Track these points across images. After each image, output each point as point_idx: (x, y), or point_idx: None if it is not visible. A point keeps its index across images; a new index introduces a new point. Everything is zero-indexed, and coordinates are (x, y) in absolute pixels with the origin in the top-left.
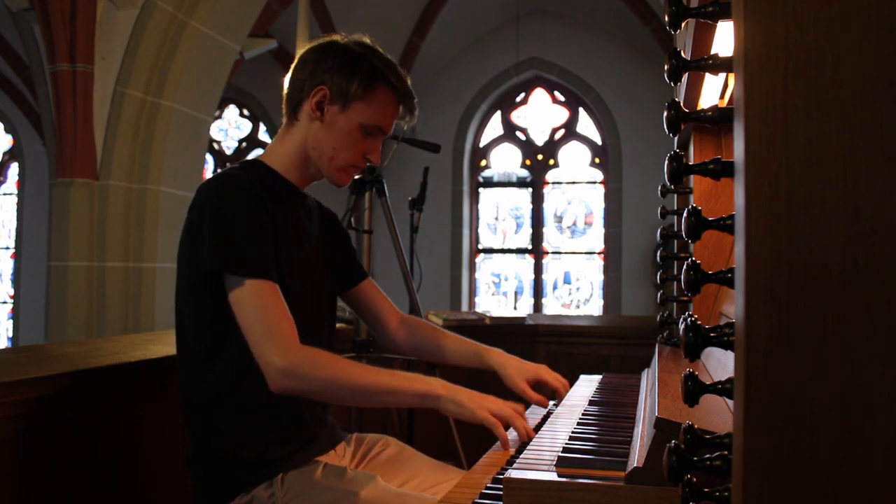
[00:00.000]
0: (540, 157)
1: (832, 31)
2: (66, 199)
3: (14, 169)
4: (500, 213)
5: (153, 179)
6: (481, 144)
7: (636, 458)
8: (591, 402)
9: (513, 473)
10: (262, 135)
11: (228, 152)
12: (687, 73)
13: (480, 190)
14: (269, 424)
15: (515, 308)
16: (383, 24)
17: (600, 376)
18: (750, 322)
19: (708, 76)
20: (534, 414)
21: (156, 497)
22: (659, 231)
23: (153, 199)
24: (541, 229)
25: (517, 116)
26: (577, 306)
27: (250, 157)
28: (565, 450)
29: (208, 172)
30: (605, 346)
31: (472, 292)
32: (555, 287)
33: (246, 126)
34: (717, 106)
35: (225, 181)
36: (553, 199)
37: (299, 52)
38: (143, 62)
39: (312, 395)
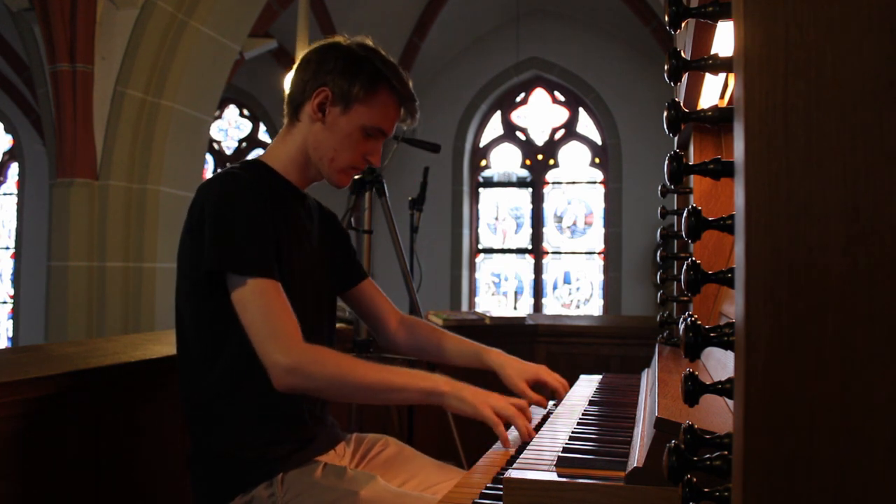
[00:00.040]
0: (540, 157)
1: (832, 31)
2: (66, 199)
3: (14, 169)
4: (500, 213)
5: (153, 179)
6: (481, 144)
7: (636, 458)
8: (591, 402)
9: (513, 473)
10: (262, 135)
11: (228, 152)
12: (687, 73)
13: (480, 190)
14: (268, 424)
15: (515, 308)
16: (383, 24)
17: (600, 376)
18: (750, 322)
19: (708, 76)
20: (534, 414)
21: (156, 497)
22: (659, 231)
23: (153, 199)
24: (541, 229)
25: (517, 116)
26: (577, 306)
27: (250, 157)
28: (565, 450)
29: (208, 172)
30: (605, 346)
31: (472, 292)
32: (555, 287)
33: (246, 126)
34: (717, 106)
35: (225, 181)
36: (553, 199)
37: (300, 53)
38: (143, 62)
39: (317, 392)
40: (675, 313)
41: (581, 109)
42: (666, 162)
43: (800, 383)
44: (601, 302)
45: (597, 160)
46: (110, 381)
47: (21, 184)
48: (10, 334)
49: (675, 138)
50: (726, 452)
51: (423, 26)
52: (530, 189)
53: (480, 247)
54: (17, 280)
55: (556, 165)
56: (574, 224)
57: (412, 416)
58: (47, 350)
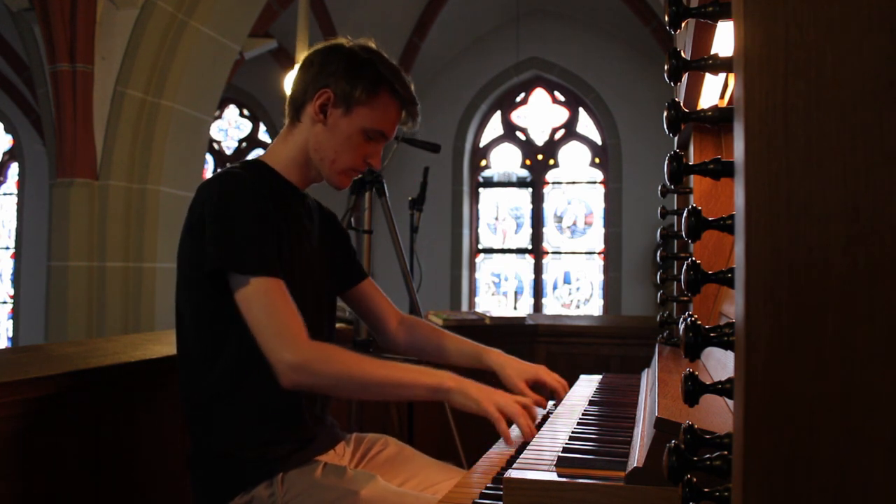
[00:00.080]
0: (540, 157)
1: (832, 31)
2: (66, 199)
3: (14, 169)
4: (500, 213)
5: (153, 179)
6: (481, 144)
7: (636, 458)
8: (591, 402)
9: (513, 473)
10: (262, 135)
11: (228, 152)
12: (687, 73)
13: (480, 190)
14: (268, 424)
15: (515, 308)
16: (383, 24)
17: (600, 376)
18: (750, 322)
19: (708, 76)
20: None
21: (156, 497)
22: (659, 231)
23: (153, 199)
24: (541, 229)
25: (517, 116)
26: (577, 306)
27: (250, 157)
28: (565, 450)
29: (208, 172)
30: (605, 346)
31: (472, 292)
32: (555, 287)
33: (246, 126)
34: (717, 106)
35: (225, 180)
36: (553, 199)
37: (300, 54)
38: (143, 62)
39: (324, 389)
40: (675, 313)
41: (581, 109)
42: (666, 162)
43: (800, 383)
44: (601, 302)
45: (597, 160)
46: (110, 381)
47: (21, 184)
48: (10, 334)
49: (675, 138)
50: (726, 452)
51: (423, 26)
52: (530, 189)
53: (480, 247)
54: (17, 280)
55: (556, 165)
56: (574, 224)
57: (412, 416)
58: (47, 350)
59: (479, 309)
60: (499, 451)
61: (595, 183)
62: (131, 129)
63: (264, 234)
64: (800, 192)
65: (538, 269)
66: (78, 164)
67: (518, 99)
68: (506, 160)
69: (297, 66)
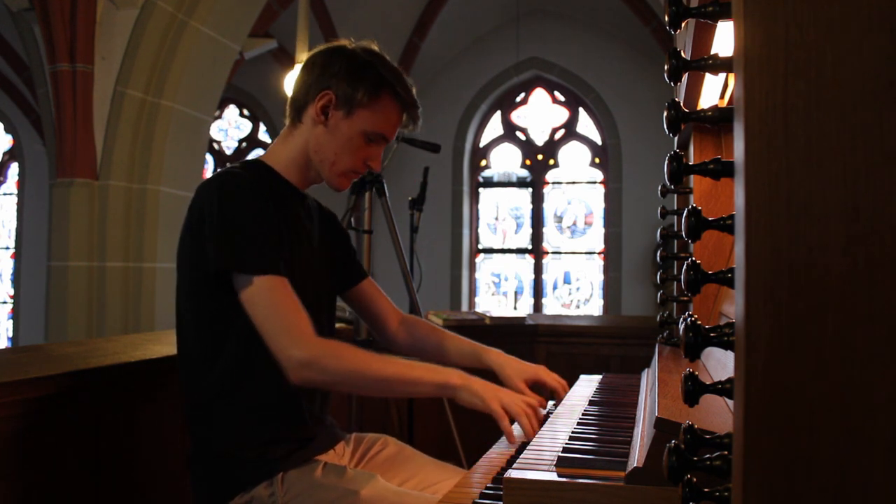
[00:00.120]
0: (540, 157)
1: (832, 31)
2: (66, 199)
3: (14, 169)
4: (500, 213)
5: (153, 179)
6: (481, 144)
7: (636, 458)
8: (591, 402)
9: (513, 473)
10: (262, 135)
11: (228, 152)
12: (687, 73)
13: (480, 190)
14: (268, 424)
15: (515, 308)
16: (383, 24)
17: (600, 376)
18: (750, 322)
19: (708, 76)
20: None
21: (156, 497)
22: (659, 231)
23: (153, 199)
24: (541, 229)
25: (517, 116)
26: (577, 306)
27: (250, 157)
28: (565, 450)
29: (208, 172)
30: (605, 346)
31: (472, 292)
32: (555, 287)
33: (246, 126)
34: (717, 106)
35: (225, 180)
36: (553, 199)
37: (300, 53)
38: (143, 62)
39: (332, 386)
40: (675, 313)
41: (581, 109)
42: (666, 162)
43: (800, 383)
44: (601, 302)
45: (597, 160)
46: (110, 381)
47: (21, 184)
48: (10, 334)
49: (675, 138)
50: (726, 452)
51: (423, 26)
52: (530, 189)
53: (480, 247)
54: (17, 280)
55: (556, 165)
56: (574, 224)
57: (412, 416)
58: (47, 350)
59: (479, 309)
60: (499, 451)
61: (595, 183)
62: (131, 129)
63: (266, 232)
64: (800, 192)
65: (538, 269)
66: (78, 164)
67: (518, 99)
68: (506, 160)
69: (297, 67)
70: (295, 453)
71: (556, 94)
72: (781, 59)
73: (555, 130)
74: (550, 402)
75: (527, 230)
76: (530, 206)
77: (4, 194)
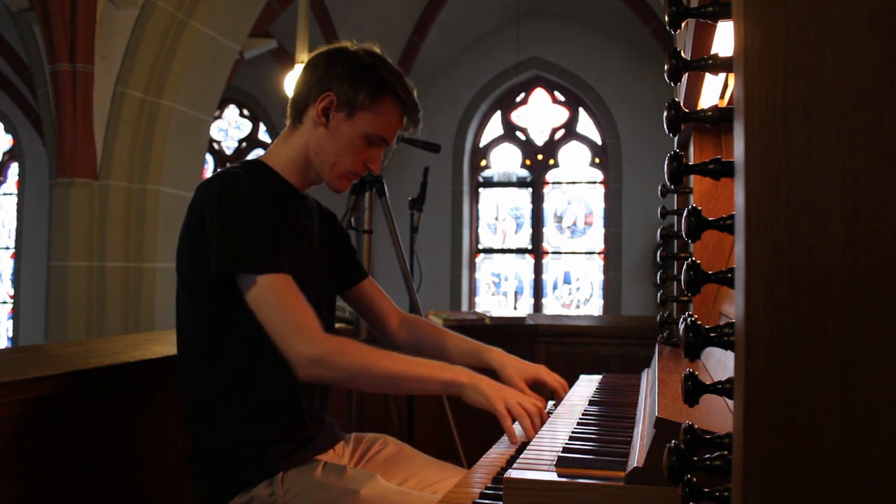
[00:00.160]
0: (540, 157)
1: (832, 31)
2: (66, 199)
3: (14, 169)
4: (500, 213)
5: (153, 179)
6: (481, 144)
7: (636, 458)
8: (591, 402)
9: (513, 473)
10: (262, 135)
11: (228, 152)
12: (687, 73)
13: (480, 190)
14: (268, 424)
15: (515, 308)
16: (383, 24)
17: (600, 376)
18: (750, 322)
19: (708, 76)
20: None
21: (156, 497)
22: (659, 231)
23: (153, 199)
24: (541, 229)
25: (517, 116)
26: (577, 306)
27: (250, 157)
28: (565, 450)
29: (208, 172)
30: (605, 346)
31: (472, 292)
32: (555, 287)
33: (246, 126)
34: (717, 106)
35: (225, 180)
36: (553, 199)
37: (300, 54)
38: (143, 62)
39: (340, 382)
40: (675, 313)
41: (581, 109)
42: (666, 162)
43: (800, 383)
44: (601, 302)
45: (597, 160)
46: (110, 381)
47: (21, 184)
48: (10, 334)
49: (675, 138)
50: (726, 452)
51: (423, 26)
52: (530, 189)
53: (480, 247)
54: (17, 280)
55: (556, 165)
56: (574, 224)
57: (412, 416)
58: (47, 350)
59: (479, 309)
60: (499, 451)
61: (595, 183)
62: (131, 129)
63: (267, 231)
64: (800, 192)
65: (538, 269)
66: (78, 164)
67: (518, 99)
68: (506, 160)
69: (297, 67)
70: (295, 453)
71: (556, 94)
72: (781, 59)
73: (555, 130)
74: (550, 403)
75: (527, 230)
76: (530, 206)
77: (4, 194)
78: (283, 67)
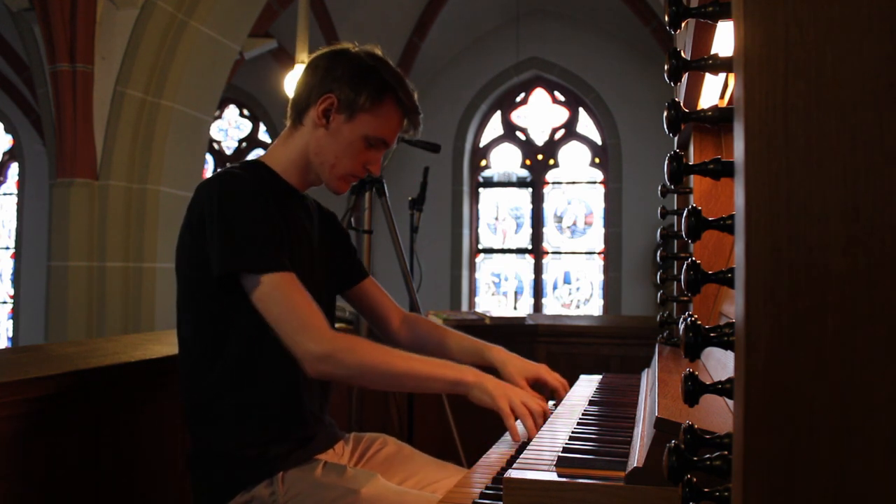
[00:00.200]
0: (540, 157)
1: (832, 31)
2: (66, 199)
3: (14, 169)
4: (500, 213)
5: (153, 179)
6: (481, 144)
7: (636, 458)
8: (591, 402)
9: (513, 473)
10: (262, 135)
11: (228, 152)
12: (687, 73)
13: (480, 190)
14: (268, 423)
15: (515, 308)
16: (383, 24)
17: (600, 376)
18: (750, 322)
19: (708, 76)
20: None
21: (156, 497)
22: (659, 231)
23: (153, 199)
24: (541, 229)
25: (517, 116)
26: (577, 306)
27: (250, 157)
28: (565, 450)
29: (208, 172)
30: (605, 346)
31: (472, 292)
32: (555, 287)
33: (246, 126)
34: (717, 106)
35: (225, 180)
36: (553, 199)
37: (300, 54)
38: (143, 62)
39: (348, 379)
40: (675, 313)
41: (581, 109)
42: (666, 162)
43: (800, 383)
44: (601, 302)
45: (597, 160)
46: (110, 381)
47: (21, 184)
48: (10, 334)
49: (675, 138)
50: (726, 452)
51: (423, 26)
52: (530, 189)
53: (480, 247)
54: (17, 280)
55: (556, 165)
56: (574, 224)
57: (412, 416)
58: (47, 350)
59: (479, 309)
60: (499, 450)
61: (595, 183)
62: (131, 129)
63: (268, 230)
64: (800, 192)
65: (538, 269)
66: (78, 164)
67: (518, 99)
68: (506, 160)
69: (297, 67)
70: (295, 452)
71: (556, 94)
72: (781, 59)
73: (555, 130)
74: (551, 402)
75: (527, 230)
76: (530, 206)
77: (4, 194)
78: (283, 67)
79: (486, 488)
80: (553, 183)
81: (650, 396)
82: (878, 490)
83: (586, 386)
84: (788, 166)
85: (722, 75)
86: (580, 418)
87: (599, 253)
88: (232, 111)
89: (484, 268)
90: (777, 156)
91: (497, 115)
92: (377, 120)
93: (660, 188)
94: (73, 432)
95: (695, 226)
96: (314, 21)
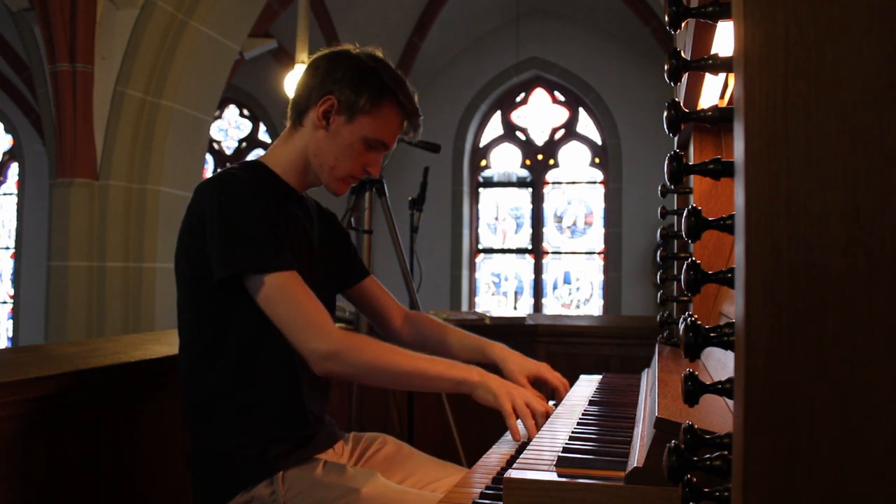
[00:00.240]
0: (540, 157)
1: (832, 31)
2: (66, 199)
3: (14, 169)
4: (500, 213)
5: (153, 179)
6: (481, 144)
7: (636, 458)
8: (591, 402)
9: (513, 473)
10: (262, 135)
11: (228, 152)
12: (687, 73)
13: (480, 190)
14: (269, 423)
15: (515, 308)
16: (383, 24)
17: (600, 376)
18: (750, 322)
19: (708, 76)
20: None
21: (156, 497)
22: (659, 231)
23: (153, 199)
24: (541, 229)
25: (517, 116)
26: (577, 306)
27: (250, 157)
28: (565, 450)
29: (208, 172)
30: (605, 346)
31: (472, 292)
32: (555, 287)
33: (246, 126)
34: (717, 106)
35: (224, 181)
36: (553, 199)
37: (300, 54)
38: (143, 62)
39: (354, 378)
40: (675, 313)
41: (581, 109)
42: (666, 162)
43: (800, 383)
44: (601, 302)
45: (597, 160)
46: (110, 381)
47: (21, 184)
48: (10, 334)
49: (675, 138)
50: (726, 452)
51: (423, 26)
52: (530, 189)
53: (480, 247)
54: (17, 280)
55: (556, 165)
56: (574, 224)
57: (412, 416)
58: (47, 350)
59: (479, 309)
60: (499, 450)
61: (595, 183)
62: (131, 129)
63: (269, 230)
64: (800, 192)
65: (538, 269)
66: (78, 164)
67: (518, 99)
68: (506, 160)
69: (297, 67)
70: (295, 452)
71: (556, 94)
72: (781, 59)
73: (555, 130)
74: (551, 402)
75: (527, 230)
76: (530, 206)
77: (4, 194)
78: (283, 67)
79: (487, 488)
80: (553, 183)
81: (650, 396)
82: (878, 490)
83: (586, 386)
84: (788, 166)
85: (722, 75)
86: (580, 418)
87: (599, 253)
88: (232, 111)
89: (484, 268)
90: (777, 156)
91: (497, 115)
92: (377, 122)
93: (660, 188)
94: (73, 432)
95: (695, 226)
96: (314, 21)
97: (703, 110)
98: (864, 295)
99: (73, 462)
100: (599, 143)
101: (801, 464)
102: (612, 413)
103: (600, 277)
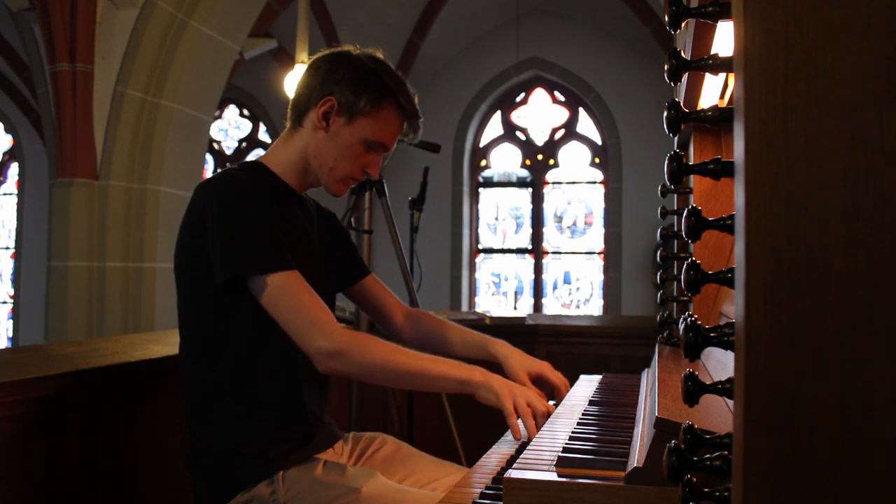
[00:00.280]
0: (540, 157)
1: (832, 31)
2: (66, 199)
3: (14, 169)
4: (500, 213)
5: (153, 179)
6: (481, 144)
7: (636, 458)
8: (591, 402)
9: (513, 473)
10: (262, 135)
11: (228, 152)
12: (687, 73)
13: (480, 190)
14: (269, 423)
15: (515, 308)
16: (383, 24)
17: (600, 376)
18: (750, 322)
19: (708, 76)
20: None
21: (156, 497)
22: (659, 231)
23: (153, 199)
24: (541, 229)
25: (517, 116)
26: (577, 306)
27: (250, 157)
28: (565, 450)
29: (208, 172)
30: (605, 346)
31: (472, 292)
32: (555, 287)
33: (246, 126)
34: (717, 106)
35: (224, 182)
36: (553, 199)
37: (300, 54)
38: (143, 62)
39: (357, 377)
40: (675, 313)
41: (581, 109)
42: (666, 162)
43: (800, 383)
44: (601, 302)
45: (597, 160)
46: (110, 381)
47: (21, 184)
48: (10, 334)
49: (675, 138)
50: (726, 452)
51: (423, 26)
52: (530, 189)
53: (480, 247)
54: (17, 280)
55: (556, 165)
56: (574, 224)
57: (412, 416)
58: (47, 350)
59: (479, 309)
60: (499, 450)
61: (595, 183)
62: (131, 129)
63: (269, 230)
64: (800, 192)
65: (538, 269)
66: (78, 164)
67: (518, 99)
68: (506, 160)
69: (297, 67)
70: (295, 452)
71: (556, 94)
72: (781, 59)
73: (555, 130)
74: (551, 401)
75: (527, 230)
76: (530, 206)
77: (4, 194)
78: (283, 67)
79: (487, 488)
80: (553, 183)
81: (650, 396)
82: (878, 490)
83: (586, 386)
84: (788, 166)
85: (722, 75)
86: (580, 418)
87: (599, 253)
88: (232, 111)
89: (484, 268)
90: (777, 156)
91: (497, 115)
92: (377, 123)
93: (660, 188)
94: (73, 432)
95: (695, 226)
96: (314, 21)
97: (703, 110)
98: (864, 295)
99: (73, 462)
100: (599, 143)
101: (801, 464)
102: (612, 413)
103: (600, 277)
